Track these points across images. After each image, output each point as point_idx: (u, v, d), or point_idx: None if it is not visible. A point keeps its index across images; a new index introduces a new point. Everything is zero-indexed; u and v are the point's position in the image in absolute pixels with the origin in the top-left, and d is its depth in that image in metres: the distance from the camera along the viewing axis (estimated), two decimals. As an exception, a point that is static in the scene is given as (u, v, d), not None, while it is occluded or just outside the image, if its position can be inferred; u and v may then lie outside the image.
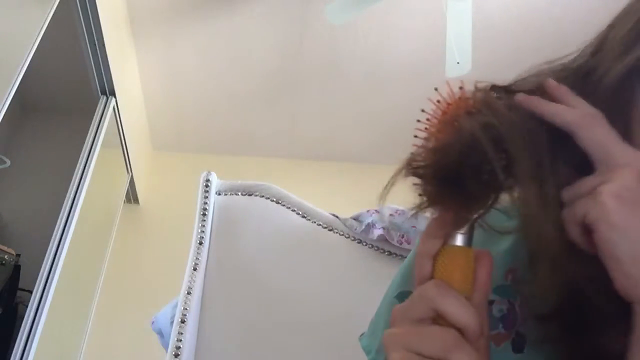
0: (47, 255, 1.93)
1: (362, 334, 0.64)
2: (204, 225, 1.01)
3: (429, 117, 0.47)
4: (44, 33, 1.71)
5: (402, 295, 0.59)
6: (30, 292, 1.87)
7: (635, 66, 0.46)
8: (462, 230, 0.46)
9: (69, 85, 2.55)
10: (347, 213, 1.08)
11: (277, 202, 1.05)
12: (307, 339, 0.95)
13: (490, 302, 0.52)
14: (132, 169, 2.81)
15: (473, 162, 0.43)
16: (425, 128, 0.47)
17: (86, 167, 2.18)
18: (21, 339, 1.76)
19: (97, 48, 2.17)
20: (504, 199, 0.50)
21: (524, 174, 0.43)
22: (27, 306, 1.85)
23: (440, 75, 2.38)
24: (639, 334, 0.41)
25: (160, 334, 1.02)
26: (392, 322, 0.45)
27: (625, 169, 0.42)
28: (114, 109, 2.42)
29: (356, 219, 1.05)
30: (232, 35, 2.71)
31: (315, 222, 1.05)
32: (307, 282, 1.00)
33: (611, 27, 0.51)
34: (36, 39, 1.67)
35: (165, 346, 0.94)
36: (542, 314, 0.46)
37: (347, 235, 1.04)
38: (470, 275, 0.44)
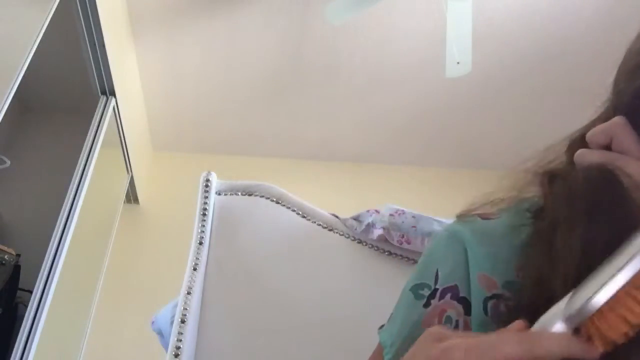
0: (47, 255, 1.93)
1: (382, 327, 0.64)
2: (204, 225, 1.01)
3: None
4: (44, 33, 1.70)
5: (416, 288, 0.59)
6: (30, 292, 1.87)
7: None
8: None
9: (69, 85, 2.55)
10: (347, 213, 1.08)
11: (277, 202, 1.05)
12: (307, 339, 0.95)
13: (500, 296, 0.52)
14: (132, 169, 2.81)
15: None
16: None
17: (86, 167, 2.18)
18: (21, 339, 1.76)
19: (97, 48, 2.17)
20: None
21: None
22: (27, 306, 1.85)
23: (440, 76, 2.38)
24: None
25: (160, 334, 1.02)
26: None
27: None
28: (114, 109, 2.42)
29: (356, 219, 1.05)
30: (232, 35, 2.71)
31: (315, 222, 1.05)
32: (307, 282, 1.00)
33: None
34: (36, 39, 1.67)
35: (165, 346, 0.94)
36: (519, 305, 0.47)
37: (347, 235, 1.04)
38: None
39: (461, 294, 0.55)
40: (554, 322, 0.40)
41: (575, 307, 0.40)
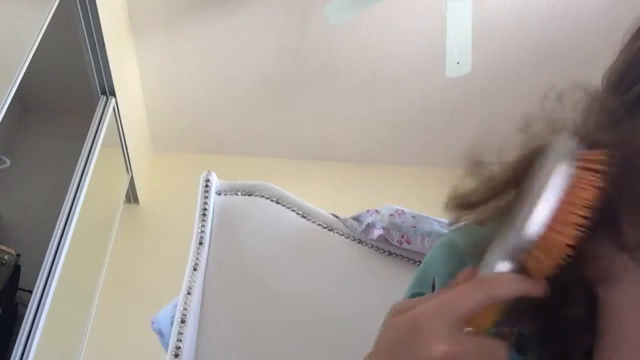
0: (47, 255, 1.92)
1: None
2: (204, 225, 1.01)
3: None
4: (44, 33, 1.71)
5: (415, 297, 0.60)
6: (30, 292, 1.87)
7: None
8: None
9: (69, 85, 2.55)
10: (347, 213, 1.08)
11: (277, 202, 1.05)
12: (307, 339, 0.95)
13: None
14: (132, 169, 2.81)
15: None
16: None
17: (86, 167, 2.18)
18: (21, 339, 1.76)
19: (97, 48, 2.17)
20: None
21: None
22: (27, 306, 1.85)
23: (441, 76, 2.38)
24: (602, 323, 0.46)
25: (160, 334, 1.02)
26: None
27: None
28: (114, 109, 2.42)
29: (356, 219, 1.05)
30: (232, 35, 2.71)
31: (315, 222, 1.05)
32: (307, 282, 1.00)
33: None
34: (36, 39, 1.67)
35: (165, 346, 0.94)
36: (531, 305, 0.47)
37: (347, 236, 1.04)
38: None
39: None
40: (499, 262, 0.44)
41: (513, 243, 0.43)
